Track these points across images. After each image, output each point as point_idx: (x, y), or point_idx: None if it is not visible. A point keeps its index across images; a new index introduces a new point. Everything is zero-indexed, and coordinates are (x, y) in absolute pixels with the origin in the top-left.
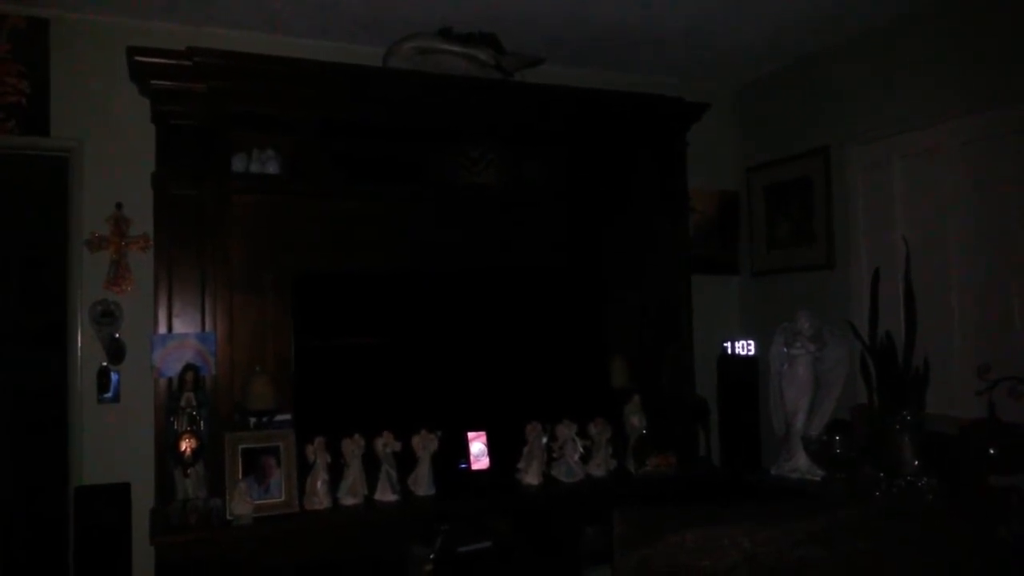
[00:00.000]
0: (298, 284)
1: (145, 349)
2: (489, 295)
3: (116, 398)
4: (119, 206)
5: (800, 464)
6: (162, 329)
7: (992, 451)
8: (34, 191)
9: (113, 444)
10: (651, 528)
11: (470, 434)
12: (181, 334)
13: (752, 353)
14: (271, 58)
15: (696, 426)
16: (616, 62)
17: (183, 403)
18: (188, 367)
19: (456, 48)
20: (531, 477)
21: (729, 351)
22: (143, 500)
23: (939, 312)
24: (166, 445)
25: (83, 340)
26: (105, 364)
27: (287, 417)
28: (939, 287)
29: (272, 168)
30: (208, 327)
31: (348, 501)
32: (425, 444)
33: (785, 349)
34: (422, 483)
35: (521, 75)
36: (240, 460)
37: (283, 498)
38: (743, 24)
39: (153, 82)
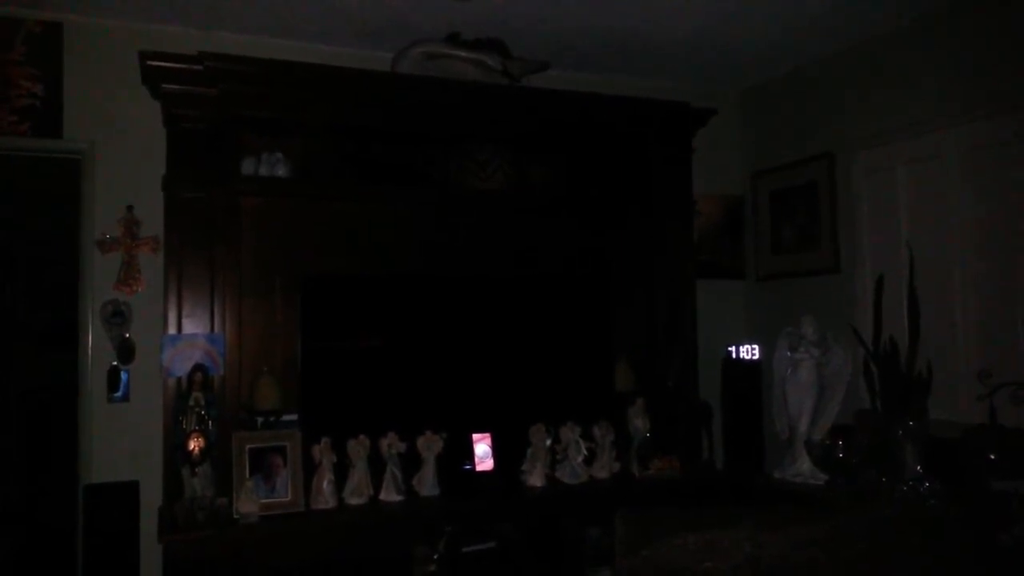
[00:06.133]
0: (306, 286)
1: (155, 349)
2: (495, 298)
3: (125, 397)
4: (130, 208)
5: (803, 468)
6: (172, 330)
7: (993, 456)
8: (46, 192)
9: (122, 443)
10: (653, 530)
11: (474, 435)
12: (190, 335)
13: (756, 357)
14: (280, 63)
15: (700, 429)
16: (622, 67)
17: (192, 403)
18: (197, 367)
19: (464, 53)
20: (535, 479)
21: (733, 355)
22: (151, 498)
23: (942, 317)
24: (174, 444)
25: (93, 340)
26: (115, 364)
27: (294, 417)
28: (942, 292)
29: (281, 171)
30: (217, 328)
31: (353, 501)
32: (430, 445)
33: (789, 353)
34: (427, 484)
35: (528, 80)
36: (247, 459)
37: (289, 497)
38: (748, 30)
39: (164, 86)
